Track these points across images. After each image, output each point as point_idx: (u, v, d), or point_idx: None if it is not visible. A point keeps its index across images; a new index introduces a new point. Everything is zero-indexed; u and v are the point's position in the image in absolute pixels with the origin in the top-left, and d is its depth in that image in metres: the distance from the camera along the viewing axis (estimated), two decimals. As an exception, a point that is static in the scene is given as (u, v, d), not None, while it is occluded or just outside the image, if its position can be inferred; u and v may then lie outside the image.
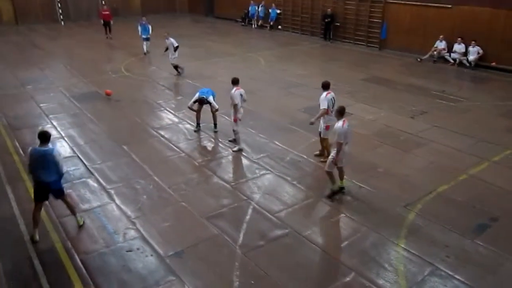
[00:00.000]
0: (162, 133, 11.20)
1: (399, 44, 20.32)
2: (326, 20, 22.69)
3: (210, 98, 10.85)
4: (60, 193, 7.01)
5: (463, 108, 13.02)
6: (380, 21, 20.90)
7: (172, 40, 16.05)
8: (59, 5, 29.39)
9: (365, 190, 8.43)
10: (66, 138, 10.84)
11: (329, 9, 22.42)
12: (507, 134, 11.09)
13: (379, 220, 7.45)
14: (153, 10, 32.86)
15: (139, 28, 19.82)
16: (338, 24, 22.77)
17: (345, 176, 8.31)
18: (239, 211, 7.74)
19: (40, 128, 11.44)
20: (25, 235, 6.88)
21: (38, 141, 6.70)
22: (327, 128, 9.25)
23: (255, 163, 9.55)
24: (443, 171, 9.16)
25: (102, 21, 23.62)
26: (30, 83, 15.42)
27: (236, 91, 9.73)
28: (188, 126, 11.64)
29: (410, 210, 7.74)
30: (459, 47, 17.71)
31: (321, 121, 9.34)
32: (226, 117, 12.09)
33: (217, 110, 10.96)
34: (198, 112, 11.11)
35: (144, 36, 19.75)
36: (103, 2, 30.55)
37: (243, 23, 28.76)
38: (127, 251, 6.68)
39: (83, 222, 7.31)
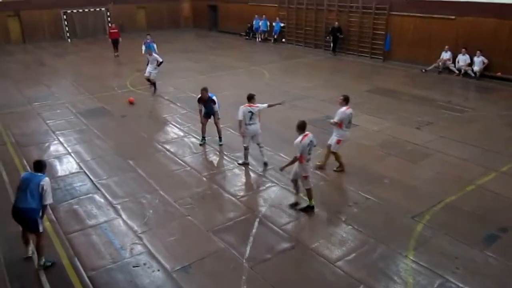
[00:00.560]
0: (168, 147, 11.24)
1: (403, 56, 20.36)
2: (337, 34, 22.59)
3: (215, 107, 10.88)
4: (33, 226, 6.44)
5: (469, 119, 12.97)
6: (383, 32, 20.99)
7: (156, 55, 16.04)
8: (66, 23, 29.82)
9: (372, 201, 8.38)
10: (72, 154, 10.90)
11: (336, 22, 22.45)
12: (514, 143, 11.02)
13: (387, 232, 7.39)
14: (158, 26, 33.30)
15: (143, 47, 19.34)
16: (342, 36, 22.88)
17: (351, 186, 8.27)
18: (246, 224, 7.71)
19: (46, 144, 11.57)
20: (34, 253, 6.86)
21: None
22: (338, 142, 9.27)
23: (261, 176, 9.54)
24: (450, 182, 9.09)
25: (110, 40, 23.54)
26: (37, 100, 15.57)
27: (244, 107, 9.61)
28: (193, 139, 11.68)
29: (418, 221, 7.67)
30: (463, 58, 17.72)
31: (333, 135, 9.35)
32: (231, 130, 12.14)
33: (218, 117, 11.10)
34: (203, 125, 11.15)
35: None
36: (109, 19, 31.00)
37: (247, 37, 29.00)
38: (134, 267, 6.67)
39: (46, 264, 6.63)
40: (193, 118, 13.41)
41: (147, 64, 16.40)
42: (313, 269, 6.55)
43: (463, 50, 17.62)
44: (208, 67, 20.92)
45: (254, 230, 7.52)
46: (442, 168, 9.70)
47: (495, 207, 8.10)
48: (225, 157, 10.59)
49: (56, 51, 26.08)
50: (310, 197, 8.03)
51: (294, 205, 8.17)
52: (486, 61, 17.02)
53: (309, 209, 8.01)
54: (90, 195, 8.88)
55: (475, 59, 17.27)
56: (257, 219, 7.85)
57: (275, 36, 26.79)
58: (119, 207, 8.39)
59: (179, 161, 10.45)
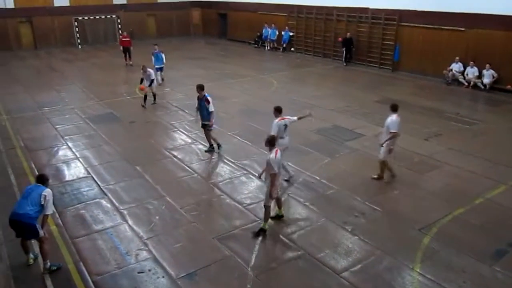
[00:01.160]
0: (175, 153, 11.27)
1: (412, 66, 20.33)
2: (350, 46, 22.52)
3: (210, 106, 10.72)
4: (31, 231, 6.44)
5: (478, 131, 12.88)
6: (392, 43, 20.98)
7: (150, 71, 15.38)
8: (77, 29, 30.18)
9: (379, 212, 8.33)
10: (80, 159, 10.96)
11: (348, 33, 22.35)
12: (523, 156, 10.91)
13: (394, 243, 7.33)
14: (168, 33, 33.67)
15: (153, 57, 18.73)
16: (354, 48, 22.87)
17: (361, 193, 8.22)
18: (251, 232, 7.68)
19: (55, 149, 11.66)
20: (39, 257, 6.88)
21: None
22: (390, 151, 9.18)
23: (268, 185, 9.51)
24: (458, 194, 9.01)
25: (121, 48, 23.26)
26: (47, 105, 15.73)
27: (278, 121, 9.02)
28: (200, 146, 11.70)
29: (425, 233, 7.60)
30: (471, 70, 17.65)
31: (385, 144, 9.20)
32: (239, 138, 12.16)
33: (210, 129, 10.97)
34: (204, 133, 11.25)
35: (157, 66, 18.41)
36: (119, 26, 31.33)
37: (256, 45, 29.13)
38: (139, 273, 6.66)
39: (52, 268, 6.67)
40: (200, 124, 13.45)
41: (157, 73, 16.20)
42: (318, 280, 6.50)
43: (471, 63, 17.56)
44: (217, 74, 21.02)
45: (259, 239, 7.50)
46: (450, 180, 9.62)
47: (504, 221, 8.00)
48: (232, 164, 10.58)
49: (66, 57, 26.36)
50: (266, 217, 7.60)
51: (259, 233, 7.61)
52: (496, 75, 16.92)
53: (261, 233, 7.56)
54: (97, 200, 8.92)
55: (485, 72, 17.18)
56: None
57: (284, 45, 26.89)
58: (125, 212, 8.41)
59: (186, 167, 10.47)
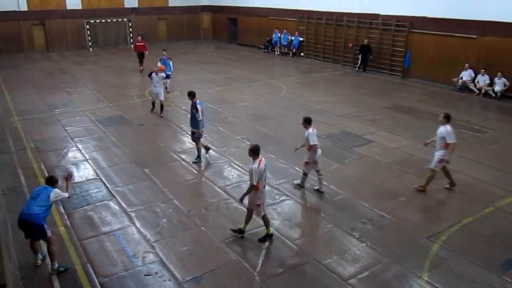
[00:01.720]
0: (184, 157, 11.30)
1: (422, 73, 20.22)
2: (367, 53, 22.16)
3: (198, 115, 10.47)
4: (38, 231, 6.49)
5: (489, 139, 12.74)
6: (403, 49, 20.90)
7: (162, 74, 14.70)
8: (88, 32, 30.50)
9: (387, 219, 8.27)
10: (90, 161, 11.04)
11: (366, 40, 22.10)
12: (535, 165, 10.78)
13: (402, 251, 7.27)
14: (178, 37, 33.93)
15: (159, 63, 17.29)
16: (371, 56, 22.80)
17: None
18: (259, 237, 7.65)
19: (65, 150, 11.75)
20: (47, 258, 6.92)
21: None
22: (440, 161, 9.00)
23: (275, 189, 9.50)
24: (468, 203, 8.92)
25: (136, 53, 22.53)
26: (58, 107, 15.88)
27: (312, 131, 8.87)
28: (209, 150, 11.71)
29: (433, 241, 7.52)
30: (482, 79, 17.51)
31: (438, 153, 9.02)
32: (247, 142, 12.15)
33: (199, 137, 10.73)
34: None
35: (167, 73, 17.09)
36: (131, 30, 31.60)
37: (266, 50, 29.20)
38: (145, 275, 6.67)
39: (60, 269, 6.72)
40: (209, 128, 13.48)
41: (155, 86, 14.62)
42: (325, 286, 6.46)
43: (482, 70, 17.43)
44: (226, 79, 21.08)
45: (267, 243, 7.47)
46: (460, 189, 9.51)
47: (514, 231, 7.91)
48: (240, 168, 10.58)
49: (78, 60, 26.61)
50: (267, 225, 7.49)
51: (238, 231, 7.63)
52: (507, 83, 16.77)
53: (268, 238, 7.49)
54: (105, 202, 8.96)
55: (496, 80, 17.03)
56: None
57: (294, 50, 26.91)
58: (133, 215, 8.44)
59: (194, 171, 10.50)
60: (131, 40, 31.79)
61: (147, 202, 8.91)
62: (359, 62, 22.62)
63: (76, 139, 12.63)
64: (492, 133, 13.22)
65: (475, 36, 17.88)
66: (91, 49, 30.46)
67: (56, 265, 6.68)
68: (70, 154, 11.54)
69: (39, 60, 26.30)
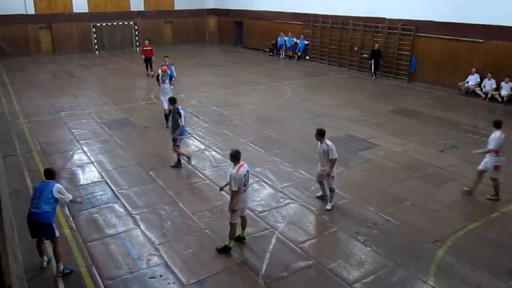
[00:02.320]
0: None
1: (428, 77, 20.15)
2: (378, 58, 21.79)
3: (181, 120, 10.31)
4: (48, 229, 6.53)
5: (495, 143, 12.64)
6: (409, 53, 20.85)
7: (167, 84, 14.07)
8: (95, 35, 30.67)
9: (392, 223, 8.23)
10: (95, 164, 11.08)
11: (376, 45, 21.83)
12: (542, 170, 10.68)
13: (407, 256, 7.23)
14: (184, 40, 34.06)
15: (160, 71, 16.33)
16: (366, 56, 22.84)
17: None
18: (263, 240, 7.66)
19: (70, 153, 11.80)
20: (52, 260, 6.95)
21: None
22: (496, 168, 8.90)
23: (280, 192, 9.49)
24: (474, 208, 8.87)
25: (143, 57, 22.14)
26: (64, 110, 15.96)
27: (330, 144, 8.42)
28: (214, 153, 11.74)
29: (439, 246, 7.48)
30: (489, 83, 17.42)
31: (489, 161, 8.94)
32: (252, 145, 12.17)
33: (178, 144, 10.57)
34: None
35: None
36: (136, 33, 31.75)
37: (271, 53, 29.23)
38: (150, 278, 6.68)
39: (65, 271, 6.74)
40: (215, 131, 13.53)
41: (163, 94, 13.79)
42: (329, 290, 6.44)
43: (489, 75, 17.35)
44: (232, 82, 21.12)
45: (271, 247, 7.46)
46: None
47: (520, 236, 7.85)
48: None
49: (84, 63, 26.76)
50: (230, 235, 7.26)
51: (223, 250, 7.31)
52: (515, 88, 16.71)
53: (224, 250, 7.25)
54: (110, 204, 8.99)
55: (503, 84, 16.94)
56: (275, 236, 7.80)
57: (299, 54, 26.92)
58: (138, 217, 8.46)
59: (199, 174, 10.50)
60: (137, 43, 31.95)
61: (151, 205, 8.93)
62: (372, 68, 22.09)
63: (82, 141, 12.68)
64: (499, 138, 13.11)
65: (481, 40, 17.80)
66: (97, 52, 30.62)
67: (62, 267, 6.70)
68: (75, 157, 11.59)
69: (46, 63, 26.47)
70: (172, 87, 16.30)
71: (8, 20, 27.31)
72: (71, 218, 8.41)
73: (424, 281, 6.59)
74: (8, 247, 5.58)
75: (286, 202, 9.07)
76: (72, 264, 6.94)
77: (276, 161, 11.14)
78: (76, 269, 6.87)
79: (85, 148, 12.14)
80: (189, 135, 13.24)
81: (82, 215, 8.53)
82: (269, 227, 8.09)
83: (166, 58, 17.58)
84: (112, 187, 9.74)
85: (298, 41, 26.74)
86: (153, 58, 21.90)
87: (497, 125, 8.95)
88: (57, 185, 6.71)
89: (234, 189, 6.92)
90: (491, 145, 8.83)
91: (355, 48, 23.36)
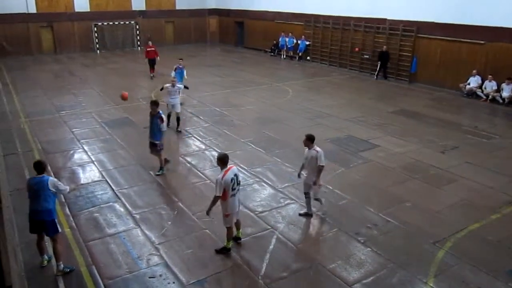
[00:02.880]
0: (189, 159, 11.32)
1: (429, 78, 20.14)
2: (386, 60, 21.57)
3: (163, 126, 9.99)
4: (52, 226, 6.57)
5: (496, 145, 12.65)
6: (410, 54, 20.85)
7: (179, 85, 13.81)
8: (96, 35, 30.71)
9: (393, 224, 8.23)
10: (96, 163, 11.08)
11: (384, 47, 21.63)
12: (542, 172, 10.69)
13: (407, 257, 7.22)
14: (185, 40, 34.12)
15: (173, 74, 16.51)
16: (368, 56, 22.84)
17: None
18: (263, 240, 7.66)
19: (71, 152, 11.81)
20: (52, 259, 6.95)
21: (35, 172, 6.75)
22: None
23: (280, 192, 9.49)
24: (474, 209, 8.86)
25: (147, 59, 21.63)
26: (64, 109, 15.97)
27: (320, 150, 8.06)
28: (214, 153, 11.71)
29: (439, 247, 7.47)
30: (490, 85, 17.40)
31: None
32: (252, 145, 12.17)
33: (161, 149, 10.19)
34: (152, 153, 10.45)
35: (179, 84, 15.24)
36: (137, 32, 31.76)
37: (272, 54, 29.24)
38: (149, 277, 6.68)
39: (65, 270, 6.72)
40: (215, 131, 13.53)
41: (171, 98, 13.40)
42: (329, 291, 6.44)
43: (490, 76, 17.34)
44: (232, 82, 21.12)
45: (271, 247, 7.46)
46: (466, 195, 9.46)
47: (521, 237, 7.84)
48: (245, 172, 10.58)
49: (85, 62, 26.78)
50: (228, 237, 7.25)
51: (221, 251, 7.31)
52: (515, 90, 16.69)
53: (224, 251, 7.25)
54: (111, 203, 8.99)
55: (504, 86, 16.93)
56: (275, 236, 7.80)
57: (300, 54, 26.93)
58: (138, 217, 8.46)
59: (200, 174, 10.50)
60: (138, 43, 31.98)
61: (152, 205, 8.93)
62: (377, 70, 21.98)
63: (82, 141, 12.69)
64: (500, 139, 13.13)
65: (482, 42, 17.78)
66: (98, 51, 30.66)
67: (62, 265, 6.70)
68: (76, 156, 11.60)
69: (47, 62, 26.49)
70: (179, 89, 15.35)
71: (9, 19, 27.36)
72: (71, 217, 8.41)
73: (424, 282, 6.59)
74: (9, 246, 5.58)
75: (286, 202, 9.07)
76: (72, 263, 6.94)
77: (276, 162, 11.14)
78: (76, 268, 6.86)
79: (85, 147, 12.14)
80: (189, 135, 13.27)
81: (82, 214, 8.53)
82: (269, 227, 8.09)
83: (181, 60, 17.23)
84: (113, 187, 9.74)
85: (299, 42, 26.76)
86: (157, 58, 21.48)
87: None
88: (51, 178, 6.66)
89: (217, 194, 6.81)
90: None
91: (356, 49, 23.36)
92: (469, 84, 18.06)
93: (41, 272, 6.80)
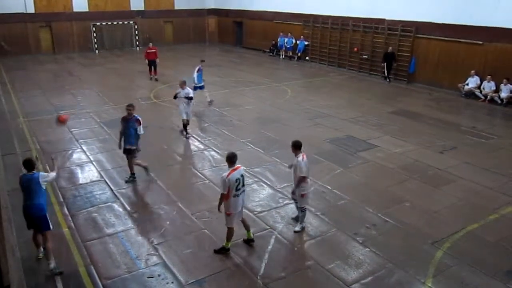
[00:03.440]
0: (188, 159, 11.31)
1: (427, 79, 20.16)
2: (391, 61, 21.23)
3: (140, 128, 9.65)
4: (44, 222, 6.63)
5: (494, 145, 12.67)
6: (408, 55, 20.86)
7: (189, 89, 13.15)
8: (95, 35, 30.68)
9: (391, 224, 8.23)
10: (94, 163, 11.07)
11: (390, 47, 21.32)
12: (541, 172, 10.71)
13: (405, 257, 7.23)
14: (184, 40, 34.09)
15: (195, 75, 16.17)
16: (366, 56, 22.86)
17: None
18: (262, 240, 7.65)
19: (70, 152, 11.79)
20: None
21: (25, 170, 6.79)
22: None
23: (279, 193, 9.49)
24: (473, 209, 8.87)
25: (147, 61, 21.13)
26: (63, 109, 15.92)
27: (303, 159, 7.67)
28: (213, 153, 11.74)
29: (437, 248, 7.48)
30: (488, 85, 17.42)
31: None
32: (252, 146, 12.16)
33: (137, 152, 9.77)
34: (128, 160, 9.98)
35: (199, 85, 16.33)
36: (136, 32, 31.74)
37: (271, 54, 29.24)
38: (148, 277, 6.68)
39: (56, 271, 6.69)
40: (214, 131, 13.53)
41: (182, 104, 12.96)
42: (328, 291, 6.44)
43: (488, 77, 17.35)
44: (231, 82, 21.13)
45: (269, 247, 7.46)
46: (465, 195, 9.47)
47: (519, 238, 7.85)
48: (245, 172, 10.56)
49: (84, 62, 26.75)
50: (227, 237, 7.20)
51: (220, 251, 7.32)
52: (514, 90, 16.72)
53: (223, 251, 7.23)
54: (109, 203, 8.99)
55: (502, 86, 16.95)
56: (273, 236, 7.80)
57: (299, 54, 26.94)
58: (136, 217, 8.46)
59: (198, 174, 10.50)
60: (137, 43, 31.96)
61: (150, 204, 8.94)
62: (386, 72, 21.54)
63: (81, 140, 12.68)
64: (498, 140, 13.14)
65: (481, 42, 17.81)
66: (97, 51, 30.63)
67: (53, 264, 6.70)
68: (75, 156, 11.59)
69: (46, 62, 26.45)
70: (205, 90, 14.84)
71: (8, 19, 27.32)
72: (69, 217, 8.40)
73: (423, 283, 6.59)
74: (7, 246, 5.58)
75: (285, 202, 9.06)
76: (70, 264, 6.94)
77: (275, 162, 11.14)
78: (74, 268, 6.86)
79: (84, 147, 12.13)
80: (188, 135, 13.25)
81: (81, 214, 8.53)
82: (268, 227, 8.09)
83: (203, 61, 16.86)
84: (111, 187, 9.73)
85: (298, 42, 26.77)
86: (157, 60, 21.08)
87: None
88: (40, 173, 6.77)
89: (223, 192, 6.86)
90: None
91: (355, 49, 23.38)
92: (467, 84, 18.08)
93: (40, 272, 6.79)
